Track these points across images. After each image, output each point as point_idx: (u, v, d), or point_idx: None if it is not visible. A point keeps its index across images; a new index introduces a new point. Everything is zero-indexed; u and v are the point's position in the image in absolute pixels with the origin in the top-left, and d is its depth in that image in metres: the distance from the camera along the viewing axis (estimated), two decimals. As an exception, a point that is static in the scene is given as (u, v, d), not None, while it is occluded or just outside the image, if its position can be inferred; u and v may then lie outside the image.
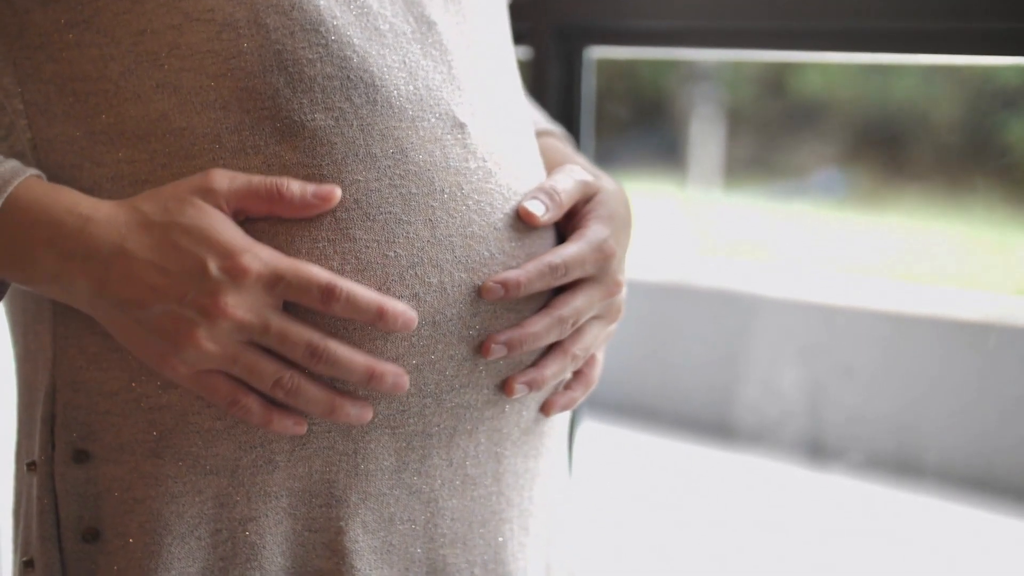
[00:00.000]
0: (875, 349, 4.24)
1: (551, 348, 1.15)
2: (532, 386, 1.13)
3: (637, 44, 1.81)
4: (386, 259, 1.04)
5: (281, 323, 1.01)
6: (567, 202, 1.15)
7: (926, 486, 3.97)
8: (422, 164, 1.07)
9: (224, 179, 1.01)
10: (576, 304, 1.13)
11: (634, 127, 5.22)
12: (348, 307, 1.01)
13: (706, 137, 5.25)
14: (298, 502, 1.08)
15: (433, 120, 1.09)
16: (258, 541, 1.07)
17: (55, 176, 1.06)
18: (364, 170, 1.05)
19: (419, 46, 1.11)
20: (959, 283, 4.41)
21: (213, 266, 0.98)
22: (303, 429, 1.05)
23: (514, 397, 1.12)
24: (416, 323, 1.05)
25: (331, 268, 1.03)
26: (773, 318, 4.58)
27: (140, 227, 1.00)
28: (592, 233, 1.15)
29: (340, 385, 1.05)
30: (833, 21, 1.52)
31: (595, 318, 1.18)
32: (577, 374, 1.21)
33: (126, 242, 0.99)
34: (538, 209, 1.12)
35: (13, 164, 1.03)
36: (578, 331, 1.16)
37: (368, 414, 1.05)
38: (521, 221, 1.12)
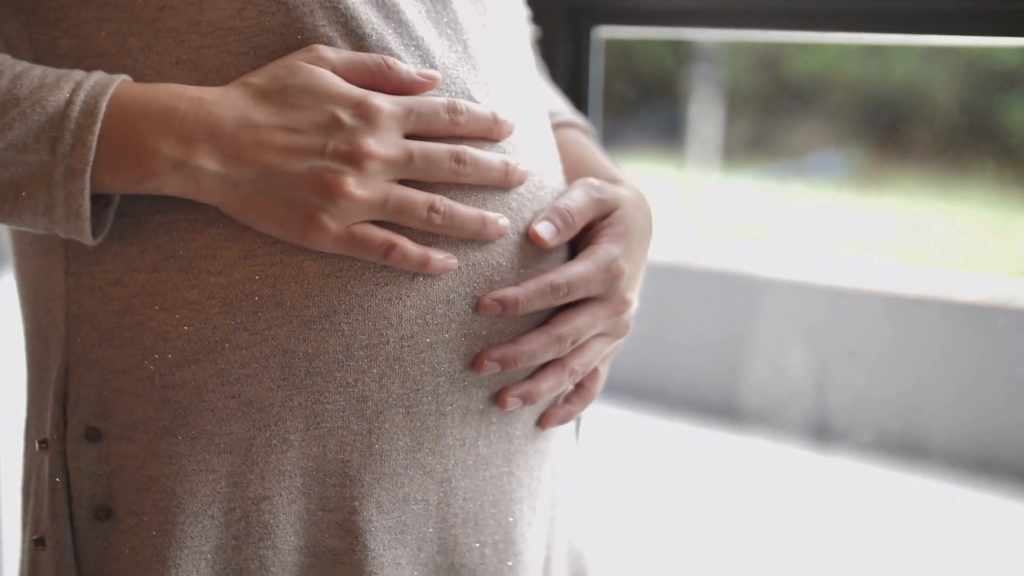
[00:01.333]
0: (877, 330, 4.24)
1: (550, 361, 1.14)
2: (526, 400, 1.13)
3: (645, 24, 1.81)
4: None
5: (421, 146, 1.03)
6: (580, 223, 1.15)
7: (931, 467, 3.97)
8: (439, 143, 1.07)
9: (329, 50, 1.02)
10: (577, 323, 1.13)
11: (633, 108, 5.21)
12: (470, 119, 1.07)
13: (705, 118, 5.25)
14: (312, 481, 1.07)
15: (453, 96, 1.09)
16: (271, 520, 1.07)
17: None
18: None
19: (434, 25, 1.11)
20: (958, 264, 4.41)
21: (344, 115, 1.00)
22: (455, 263, 1.06)
23: (507, 410, 1.12)
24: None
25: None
26: (774, 300, 4.58)
27: (257, 97, 1.00)
28: (602, 252, 1.15)
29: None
30: (835, 1, 1.52)
31: (600, 335, 1.18)
32: (578, 387, 1.21)
33: (248, 112, 0.99)
34: (547, 232, 1.12)
35: (104, 73, 1.01)
36: (579, 347, 1.16)
37: (506, 224, 1.10)
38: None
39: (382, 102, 1.01)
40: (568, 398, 1.20)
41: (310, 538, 1.09)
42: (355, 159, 0.99)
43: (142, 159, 0.98)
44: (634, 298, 1.19)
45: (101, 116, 0.97)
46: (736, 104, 5.28)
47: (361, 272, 1.03)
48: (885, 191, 4.76)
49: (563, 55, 1.68)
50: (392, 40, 1.07)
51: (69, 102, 0.97)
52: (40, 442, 1.09)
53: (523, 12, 1.32)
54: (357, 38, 1.05)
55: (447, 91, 1.09)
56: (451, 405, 1.10)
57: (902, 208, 4.76)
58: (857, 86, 4.73)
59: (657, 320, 4.89)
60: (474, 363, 1.09)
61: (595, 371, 1.22)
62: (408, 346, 1.06)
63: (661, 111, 5.57)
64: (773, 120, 5.26)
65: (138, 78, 1.04)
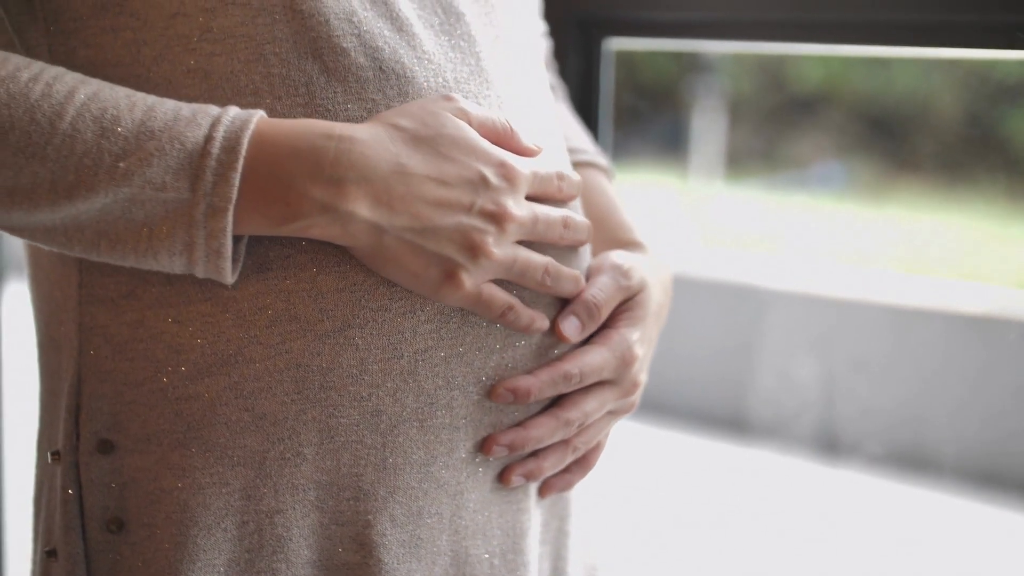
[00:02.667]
0: (881, 342, 4.24)
1: (541, 414, 1.15)
2: (529, 478, 1.15)
3: (656, 36, 1.81)
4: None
5: (543, 210, 1.07)
6: (606, 315, 1.16)
7: (936, 478, 3.97)
8: None
9: (468, 103, 1.05)
10: (586, 408, 1.15)
11: (636, 118, 5.21)
12: (570, 185, 1.12)
13: (708, 129, 5.25)
14: (325, 495, 1.07)
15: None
16: (285, 534, 1.06)
17: None
18: None
19: (447, 38, 1.10)
20: (961, 275, 4.41)
21: (490, 173, 1.01)
22: (547, 325, 1.10)
23: (511, 487, 1.14)
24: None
25: None
26: (778, 311, 4.58)
27: (409, 143, 1.00)
28: (618, 339, 1.16)
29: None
30: (842, 13, 1.52)
31: (608, 413, 1.19)
32: (580, 459, 1.22)
33: (402, 159, 0.99)
34: (573, 330, 1.13)
35: (241, 109, 1.00)
36: (585, 427, 1.17)
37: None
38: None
39: (522, 167, 1.04)
40: (568, 467, 1.21)
41: (323, 552, 1.08)
42: (499, 220, 1.02)
43: (289, 199, 0.97)
44: (644, 378, 1.21)
45: (243, 153, 0.96)
46: (739, 115, 5.29)
47: (375, 287, 1.03)
48: (888, 202, 4.76)
49: (573, 67, 1.67)
50: (405, 53, 1.07)
51: (209, 138, 0.96)
52: (52, 454, 1.08)
53: (537, 26, 1.31)
54: (371, 50, 1.05)
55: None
56: (465, 419, 1.09)
57: (905, 219, 4.77)
58: (860, 97, 4.74)
59: (661, 331, 4.87)
60: (483, 447, 1.11)
61: (598, 444, 1.24)
62: (422, 360, 1.06)
63: (665, 122, 5.58)
64: (776, 131, 5.26)
65: (151, 88, 1.03)
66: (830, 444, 4.15)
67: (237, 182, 0.95)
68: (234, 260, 1.00)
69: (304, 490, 1.06)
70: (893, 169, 4.76)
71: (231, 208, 0.95)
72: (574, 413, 1.14)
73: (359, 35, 1.05)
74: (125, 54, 1.04)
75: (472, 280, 1.02)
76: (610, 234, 1.25)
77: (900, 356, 4.17)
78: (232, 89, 1.02)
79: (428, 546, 1.11)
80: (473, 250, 1.01)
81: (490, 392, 1.09)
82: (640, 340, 1.17)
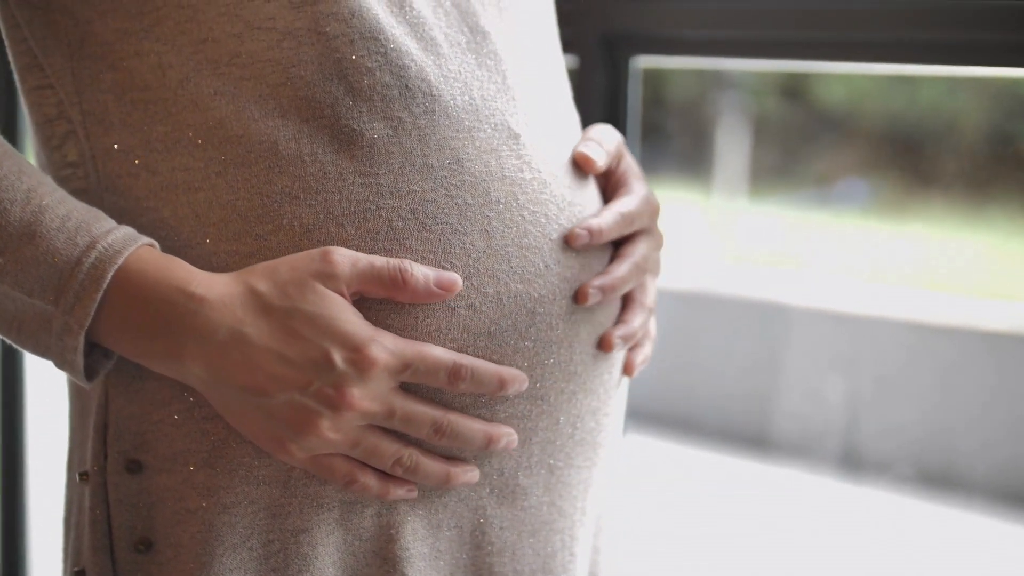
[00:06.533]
0: (903, 359, 4.24)
1: (627, 307, 1.18)
2: (627, 340, 1.16)
3: (683, 54, 1.81)
4: (442, 270, 1.04)
5: (405, 406, 1.02)
6: (613, 151, 1.21)
7: (961, 496, 3.96)
8: (478, 175, 1.07)
9: (347, 263, 1.00)
10: (642, 251, 1.18)
11: (660, 136, 5.22)
12: (473, 384, 1.04)
13: (731, 146, 5.25)
14: (349, 512, 1.07)
15: (489, 130, 1.09)
16: (310, 552, 1.07)
17: (111, 187, 1.06)
18: (421, 180, 1.05)
19: (474, 56, 1.11)
20: (984, 293, 4.41)
21: (338, 357, 0.98)
22: (415, 495, 1.07)
23: (612, 351, 1.15)
24: (527, 384, 1.08)
25: None
26: (801, 327, 4.58)
27: (259, 311, 0.99)
28: (637, 187, 1.21)
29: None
30: (869, 33, 1.52)
31: (650, 272, 1.22)
32: (629, 300, 1.21)
33: (244, 327, 0.99)
34: (596, 153, 1.17)
35: (126, 232, 1.01)
36: (643, 285, 1.20)
37: (477, 476, 1.09)
38: (578, 168, 1.17)
39: (379, 353, 0.99)
40: (622, 314, 1.21)
41: (348, 568, 1.09)
42: (335, 405, 0.99)
43: (138, 341, 1.01)
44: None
45: (105, 285, 0.99)
46: (763, 132, 5.29)
47: (400, 306, 1.03)
48: (911, 220, 4.76)
49: (600, 85, 1.67)
50: (431, 72, 1.07)
51: (79, 261, 0.99)
52: (81, 474, 1.09)
53: (558, 42, 1.32)
54: (397, 69, 1.05)
55: (486, 123, 1.09)
56: None
57: (929, 237, 4.77)
58: (884, 115, 4.74)
59: (684, 348, 4.88)
60: (577, 296, 1.12)
61: (643, 285, 1.24)
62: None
63: (689, 139, 5.58)
64: (800, 148, 5.27)
65: (177, 110, 1.04)
66: (853, 461, 4.14)
67: (93, 311, 0.99)
68: (100, 367, 1.05)
69: (328, 508, 1.06)
70: (916, 187, 4.76)
71: (83, 332, 0.99)
72: (636, 256, 1.17)
73: (385, 53, 1.05)
74: (151, 78, 1.05)
75: (303, 453, 1.01)
76: None
77: (924, 373, 4.16)
78: (260, 111, 1.03)
79: (447, 558, 1.12)
80: (301, 428, 1.00)
81: (567, 237, 1.11)
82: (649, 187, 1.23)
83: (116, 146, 1.06)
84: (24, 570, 2.23)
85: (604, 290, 1.13)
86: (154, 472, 1.06)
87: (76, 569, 1.10)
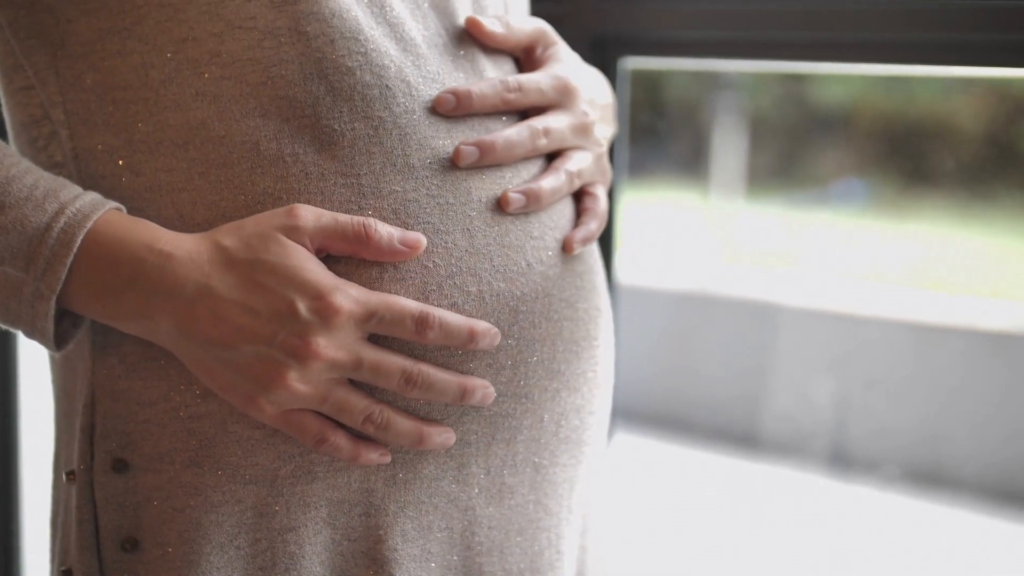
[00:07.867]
0: (900, 359, 4.24)
1: (581, 213, 1.18)
2: (528, 196, 1.12)
3: (672, 55, 1.81)
4: (425, 269, 1.05)
5: (373, 355, 1.02)
6: (528, 31, 1.20)
7: (953, 496, 3.96)
8: (459, 174, 1.08)
9: (310, 216, 1.01)
10: (547, 120, 1.15)
11: (657, 136, 5.22)
12: (442, 334, 1.03)
13: (728, 146, 5.25)
14: (337, 512, 1.08)
15: (468, 130, 1.10)
16: (297, 551, 1.07)
17: (95, 187, 1.06)
18: (402, 180, 1.05)
19: (451, 57, 1.12)
20: (981, 292, 4.41)
21: (302, 307, 0.98)
22: (388, 459, 1.06)
23: (510, 209, 1.11)
24: (499, 339, 1.07)
25: (369, 279, 1.03)
26: (797, 328, 4.58)
27: (224, 265, 0.99)
28: (548, 67, 1.18)
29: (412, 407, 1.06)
30: (864, 33, 1.52)
31: (579, 148, 1.18)
32: (582, 210, 1.20)
33: (210, 280, 0.99)
34: (491, 23, 1.16)
35: (93, 197, 1.02)
36: (564, 153, 1.17)
37: (452, 438, 1.07)
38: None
39: (343, 302, 0.99)
40: (580, 215, 1.19)
41: (336, 568, 1.09)
42: (300, 355, 0.99)
43: (107, 301, 1.01)
44: (604, 132, 1.23)
45: (75, 248, 0.99)
46: (760, 132, 5.29)
47: None
48: (909, 219, 4.76)
49: (587, 86, 1.67)
50: (411, 73, 1.08)
51: (48, 227, 1.00)
52: (68, 473, 1.09)
53: None
54: (377, 69, 1.06)
55: (465, 123, 1.10)
56: (475, 434, 1.10)
57: (926, 236, 4.77)
58: (881, 115, 4.74)
59: (681, 348, 4.88)
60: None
61: (593, 194, 1.21)
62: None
63: (685, 139, 5.58)
64: (797, 148, 5.26)
65: (159, 110, 1.05)
66: (847, 460, 4.14)
67: (64, 275, 1.00)
68: (70, 336, 1.06)
69: (316, 507, 1.07)
70: (913, 186, 4.76)
71: (54, 297, 1.00)
72: (536, 121, 1.14)
73: (365, 53, 1.06)
74: (133, 78, 1.05)
75: (273, 407, 1.01)
76: None
77: (920, 373, 4.16)
78: (241, 111, 1.04)
79: (438, 560, 1.12)
80: (267, 382, 0.99)
81: (435, 102, 1.09)
82: (573, 76, 1.19)
83: (100, 147, 1.06)
84: (18, 570, 2.23)
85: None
86: (140, 471, 1.06)
87: (63, 568, 1.11)
